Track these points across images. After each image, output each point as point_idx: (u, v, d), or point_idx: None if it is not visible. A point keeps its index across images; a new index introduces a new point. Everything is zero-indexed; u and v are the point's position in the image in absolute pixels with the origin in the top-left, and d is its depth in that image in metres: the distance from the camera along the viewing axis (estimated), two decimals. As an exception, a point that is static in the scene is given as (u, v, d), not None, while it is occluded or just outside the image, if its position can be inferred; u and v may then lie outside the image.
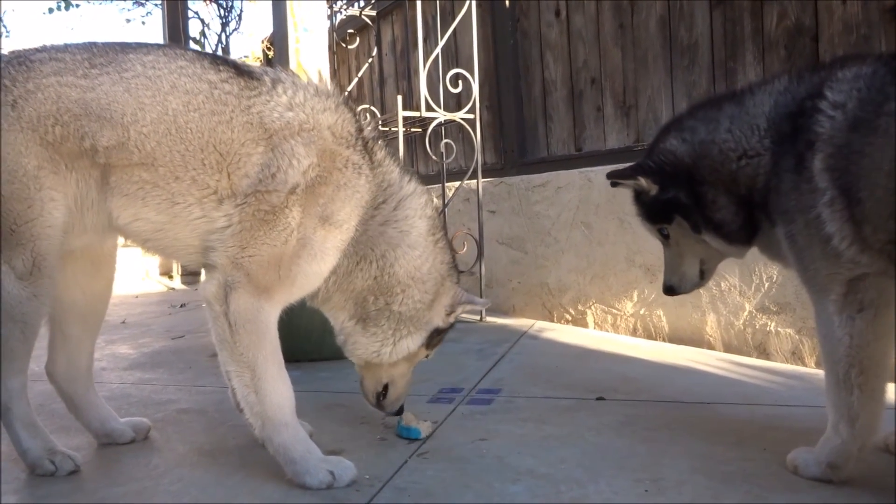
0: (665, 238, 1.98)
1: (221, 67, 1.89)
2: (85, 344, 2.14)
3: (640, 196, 1.94)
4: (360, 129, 1.95)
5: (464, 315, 4.36)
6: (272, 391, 1.79)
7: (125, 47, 1.89)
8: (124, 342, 4.00)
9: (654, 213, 1.93)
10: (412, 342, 2.02)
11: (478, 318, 4.21)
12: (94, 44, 1.90)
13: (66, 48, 1.87)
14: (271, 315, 1.83)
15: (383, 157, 2.01)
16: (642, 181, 1.87)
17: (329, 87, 1.98)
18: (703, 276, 2.02)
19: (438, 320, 2.05)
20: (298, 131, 1.84)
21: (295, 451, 1.78)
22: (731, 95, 1.85)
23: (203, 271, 1.94)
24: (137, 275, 7.68)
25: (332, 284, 1.97)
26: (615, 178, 1.97)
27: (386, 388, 2.09)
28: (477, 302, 2.16)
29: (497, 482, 1.77)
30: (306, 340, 3.10)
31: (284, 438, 1.78)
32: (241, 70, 1.90)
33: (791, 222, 1.65)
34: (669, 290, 2.04)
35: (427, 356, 2.14)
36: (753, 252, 2.93)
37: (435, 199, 4.97)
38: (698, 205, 1.82)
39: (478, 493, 1.71)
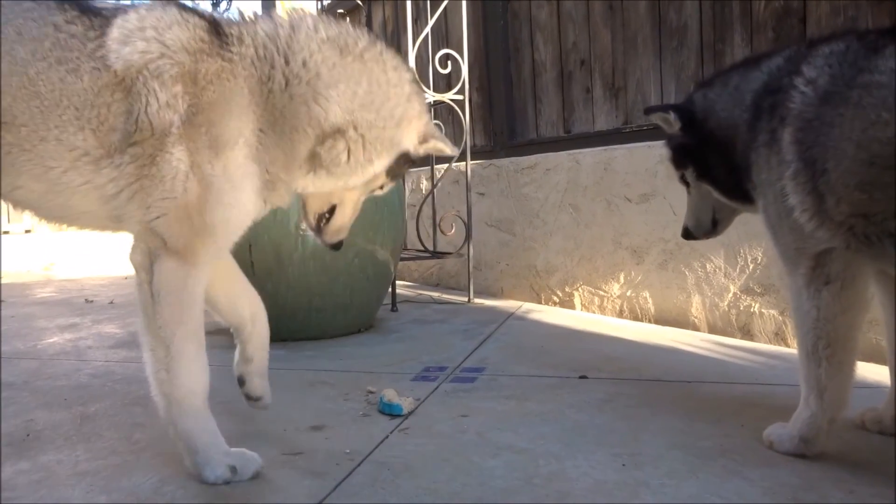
0: (686, 185, 2.07)
1: (67, 6, 1.65)
2: None
3: (670, 139, 2.04)
4: (207, 28, 1.70)
5: (452, 297, 4.39)
6: (185, 374, 1.65)
7: None
8: (111, 322, 4.00)
9: (676, 157, 2.03)
10: (378, 164, 1.83)
11: (465, 299, 4.22)
12: None
13: None
14: (199, 283, 1.68)
15: (239, 31, 1.73)
16: (671, 115, 1.96)
17: None
18: (717, 226, 2.12)
19: (409, 144, 1.86)
20: (149, 61, 1.61)
21: (199, 441, 1.67)
22: (745, 64, 1.90)
23: None
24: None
25: (280, 173, 1.77)
26: (652, 110, 2.07)
27: (332, 211, 1.95)
28: (448, 145, 1.93)
29: (476, 457, 1.78)
30: (292, 319, 3.10)
31: (190, 426, 1.66)
32: (84, 8, 1.67)
33: (764, 196, 1.70)
34: (685, 232, 2.17)
35: (382, 187, 1.97)
36: (738, 233, 2.96)
37: (425, 182, 4.98)
38: (702, 154, 1.93)
39: (456, 466, 1.72)
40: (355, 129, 1.77)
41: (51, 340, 3.48)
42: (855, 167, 1.48)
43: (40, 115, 1.58)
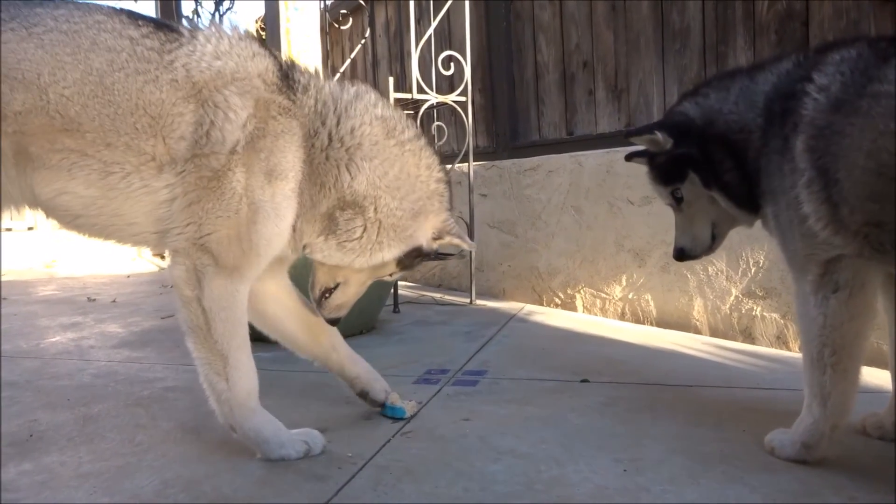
0: (678, 202, 1.98)
1: (140, 23, 1.74)
2: None
3: (654, 158, 1.97)
4: (280, 68, 1.85)
5: (454, 298, 4.39)
6: (244, 379, 1.78)
7: (28, 2, 1.69)
8: (114, 321, 4.00)
9: (668, 171, 1.94)
10: (388, 252, 1.92)
11: (467, 300, 4.22)
12: None
13: None
14: (246, 297, 1.79)
15: (307, 80, 1.87)
16: (658, 135, 1.89)
17: (244, 30, 1.87)
18: (715, 241, 2.01)
19: (423, 239, 1.96)
20: (231, 80, 1.73)
21: (267, 432, 1.81)
22: (747, 69, 1.87)
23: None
24: (129, 255, 7.66)
25: (299, 222, 1.88)
26: (632, 134, 1.99)
27: (336, 287, 2.03)
28: (465, 240, 2.05)
29: (478, 461, 1.78)
30: (294, 321, 3.10)
31: (255, 422, 1.81)
32: (159, 24, 1.78)
33: (776, 203, 1.69)
34: (680, 252, 2.02)
35: (391, 275, 2.06)
36: (740, 236, 2.96)
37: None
38: (709, 162, 1.84)
39: (458, 471, 1.72)
40: (375, 210, 1.89)
41: (53, 339, 3.49)
42: (865, 177, 1.48)
43: (110, 122, 1.66)
